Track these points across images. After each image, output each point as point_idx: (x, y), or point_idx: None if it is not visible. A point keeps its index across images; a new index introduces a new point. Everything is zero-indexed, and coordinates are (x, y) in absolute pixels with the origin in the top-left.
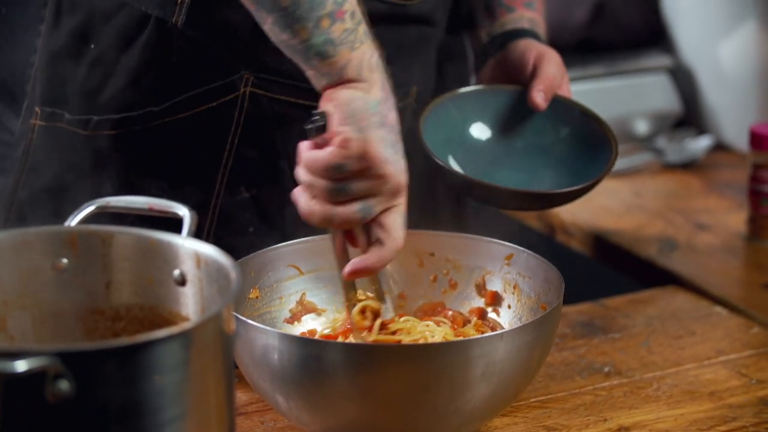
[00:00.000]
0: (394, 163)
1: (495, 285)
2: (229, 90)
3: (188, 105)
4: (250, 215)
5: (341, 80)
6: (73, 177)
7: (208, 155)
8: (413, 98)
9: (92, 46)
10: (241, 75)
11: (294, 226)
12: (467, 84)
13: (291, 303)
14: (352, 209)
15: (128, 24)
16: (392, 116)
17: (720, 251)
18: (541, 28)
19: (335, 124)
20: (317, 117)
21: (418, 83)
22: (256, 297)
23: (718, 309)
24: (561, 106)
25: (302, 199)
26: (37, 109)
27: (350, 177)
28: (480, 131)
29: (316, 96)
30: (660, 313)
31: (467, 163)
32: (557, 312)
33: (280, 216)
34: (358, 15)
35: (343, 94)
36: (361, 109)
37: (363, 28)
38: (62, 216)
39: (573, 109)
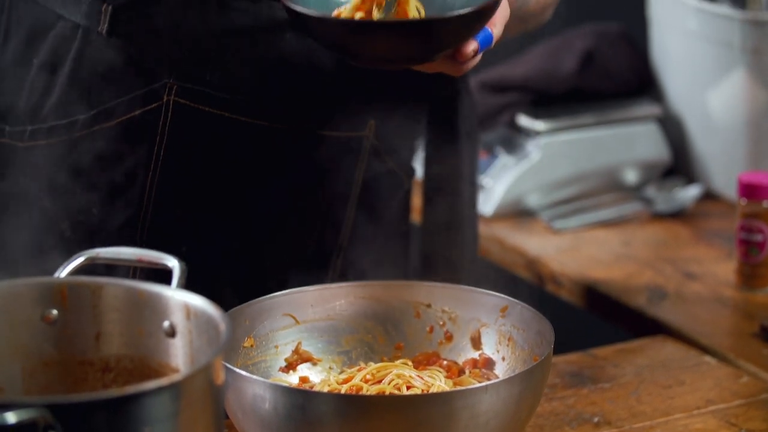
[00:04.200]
0: None
1: (490, 337)
2: (152, 99)
3: (112, 114)
4: (181, 234)
5: None
6: (15, 190)
7: (135, 168)
8: (371, 132)
9: (34, 60)
10: (164, 83)
11: (226, 246)
12: (469, 132)
13: (286, 352)
14: None
15: (62, 36)
16: None
17: (709, 301)
18: None
19: None
20: None
21: (376, 117)
22: (251, 345)
23: (708, 358)
24: None
25: None
26: None
27: None
28: None
29: (241, 109)
30: (649, 363)
31: None
32: (546, 365)
33: (213, 234)
34: None
35: None
36: None
37: None
38: (7, 233)
39: None
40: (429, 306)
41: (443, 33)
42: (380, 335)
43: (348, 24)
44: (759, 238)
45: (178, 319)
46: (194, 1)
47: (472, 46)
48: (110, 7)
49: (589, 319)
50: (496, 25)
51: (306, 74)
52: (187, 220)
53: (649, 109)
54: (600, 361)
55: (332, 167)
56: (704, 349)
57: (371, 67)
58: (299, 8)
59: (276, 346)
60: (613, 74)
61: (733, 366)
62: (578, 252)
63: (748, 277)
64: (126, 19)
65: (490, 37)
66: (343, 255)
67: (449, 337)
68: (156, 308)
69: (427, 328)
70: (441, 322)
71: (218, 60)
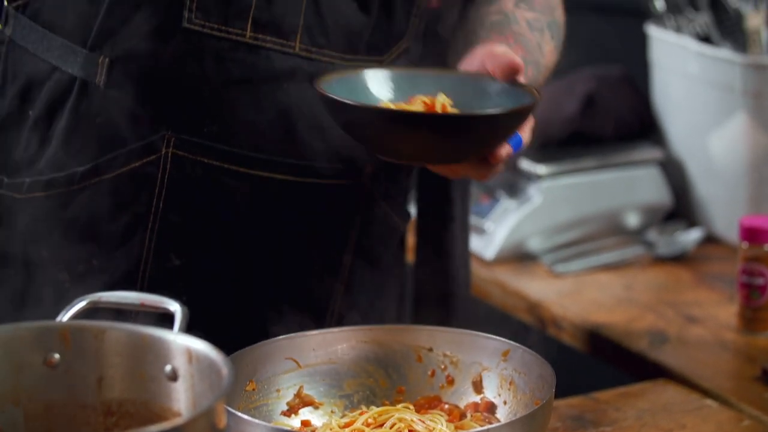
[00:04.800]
0: None
1: (492, 381)
2: (150, 151)
3: (111, 166)
4: (181, 284)
5: None
6: (13, 242)
7: (134, 220)
8: (368, 178)
9: (30, 112)
10: (162, 135)
11: (226, 295)
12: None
13: (288, 396)
14: None
15: (58, 88)
16: None
17: (710, 344)
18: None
19: None
20: None
21: (371, 162)
22: (253, 389)
23: (709, 402)
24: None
25: None
26: None
27: None
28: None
29: (240, 161)
30: (651, 407)
31: None
32: (547, 408)
33: (212, 285)
34: None
35: None
36: None
37: None
38: (8, 284)
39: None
40: (430, 350)
41: (488, 130)
42: (382, 379)
43: (390, 114)
44: (760, 281)
45: (180, 363)
46: (192, 54)
47: (506, 149)
48: (107, 60)
49: (590, 363)
50: (526, 131)
51: (304, 124)
52: (188, 270)
53: (651, 152)
54: (602, 405)
55: (331, 214)
56: (706, 393)
57: (399, 163)
58: (333, 96)
59: (278, 390)
60: (615, 117)
61: (735, 409)
62: (580, 296)
63: (750, 320)
64: (123, 71)
65: (521, 141)
66: (340, 299)
67: (451, 381)
68: (158, 352)
69: (429, 372)
70: (442, 366)
71: (216, 112)
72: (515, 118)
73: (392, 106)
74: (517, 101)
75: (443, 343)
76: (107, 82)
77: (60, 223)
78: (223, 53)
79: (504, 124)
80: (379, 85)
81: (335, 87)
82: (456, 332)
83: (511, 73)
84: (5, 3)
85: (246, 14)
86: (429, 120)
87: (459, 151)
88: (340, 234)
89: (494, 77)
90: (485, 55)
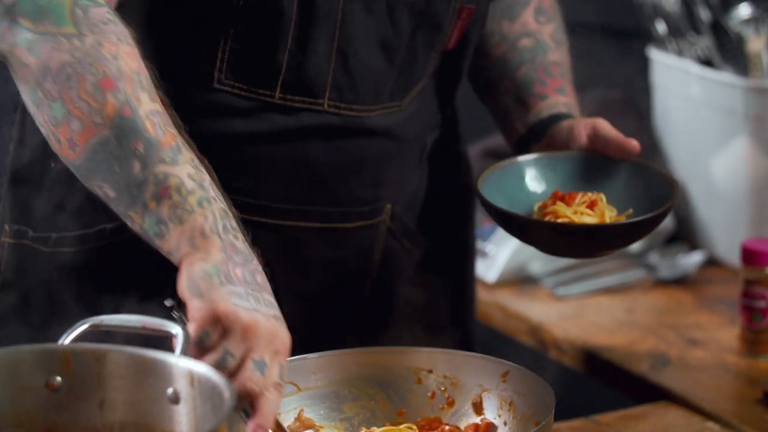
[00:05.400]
0: (252, 311)
1: (492, 402)
2: None
3: None
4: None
5: (180, 255)
6: (40, 295)
7: (164, 273)
8: (388, 215)
9: (53, 164)
10: None
11: None
12: (465, 195)
13: (289, 419)
14: (248, 373)
15: None
16: (239, 272)
17: (712, 367)
18: (575, 111)
19: (185, 301)
20: (171, 307)
21: (391, 200)
22: None
23: (711, 425)
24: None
25: None
26: (6, 226)
27: (223, 342)
28: (542, 193)
29: (266, 212)
30: (652, 429)
31: None
32: (547, 430)
33: None
34: (189, 184)
35: (183, 270)
36: (200, 277)
37: (195, 197)
38: (30, 335)
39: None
40: (430, 372)
41: (650, 226)
42: (382, 401)
43: (576, 229)
44: (762, 304)
45: (182, 386)
46: (220, 112)
47: None
48: None
49: (591, 386)
50: None
51: (329, 173)
52: None
53: None
54: (603, 428)
55: (352, 254)
56: (707, 416)
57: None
58: (504, 209)
59: (278, 414)
60: None
61: None
62: (581, 318)
63: (751, 343)
64: None
65: None
66: (359, 329)
67: (451, 403)
68: (160, 375)
69: (429, 394)
70: (442, 388)
71: (243, 167)
72: (669, 210)
73: (563, 217)
74: (653, 182)
75: (443, 364)
76: None
77: (88, 277)
78: (252, 112)
79: (663, 217)
80: (530, 176)
81: (493, 182)
82: (455, 354)
83: (626, 155)
84: None
85: (276, 76)
86: (604, 230)
87: (622, 245)
88: (360, 269)
89: (612, 157)
90: (592, 135)
